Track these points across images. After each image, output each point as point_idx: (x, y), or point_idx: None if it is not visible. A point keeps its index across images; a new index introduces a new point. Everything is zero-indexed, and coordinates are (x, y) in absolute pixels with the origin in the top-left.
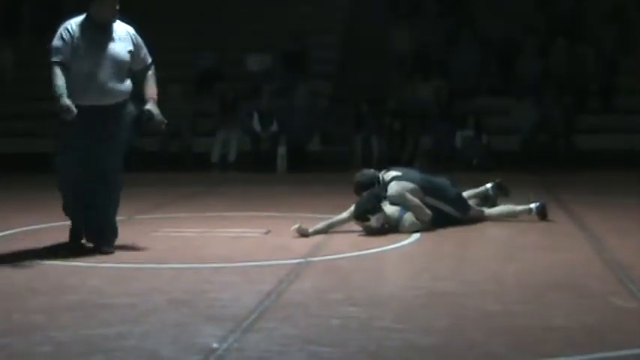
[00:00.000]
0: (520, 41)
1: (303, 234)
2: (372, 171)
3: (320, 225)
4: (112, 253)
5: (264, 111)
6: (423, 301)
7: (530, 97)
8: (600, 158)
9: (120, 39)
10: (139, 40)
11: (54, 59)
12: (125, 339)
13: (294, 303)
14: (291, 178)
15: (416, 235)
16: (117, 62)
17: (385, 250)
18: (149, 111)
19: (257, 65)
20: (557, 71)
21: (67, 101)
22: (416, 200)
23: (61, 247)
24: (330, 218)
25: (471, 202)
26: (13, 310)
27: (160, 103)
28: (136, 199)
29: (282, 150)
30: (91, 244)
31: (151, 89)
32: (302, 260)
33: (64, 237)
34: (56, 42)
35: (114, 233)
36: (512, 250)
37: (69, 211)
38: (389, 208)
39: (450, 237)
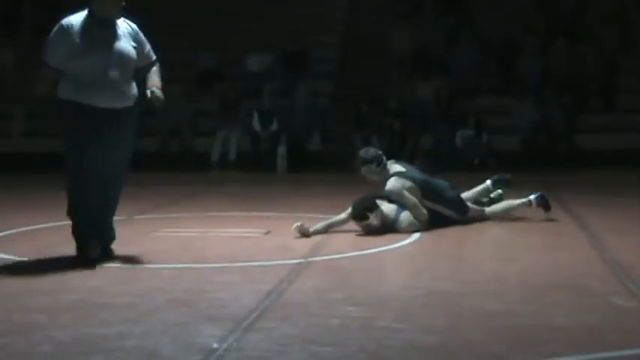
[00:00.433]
0: (520, 41)
1: (304, 233)
2: (377, 150)
3: (319, 225)
4: (114, 255)
5: (264, 111)
6: (423, 300)
7: (531, 97)
8: (601, 158)
9: (124, 36)
10: (142, 35)
11: (44, 59)
12: (125, 339)
13: (295, 303)
14: (292, 178)
15: (416, 235)
16: (125, 60)
17: (385, 250)
18: (153, 91)
19: (257, 65)
20: (557, 71)
21: (46, 76)
22: (413, 199)
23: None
24: (329, 218)
25: (470, 203)
26: (13, 309)
27: None
28: (136, 199)
29: (282, 149)
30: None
31: (155, 81)
32: (302, 260)
33: (61, 237)
34: (50, 40)
35: (114, 234)
36: (513, 249)
37: (79, 215)
38: (386, 207)
39: (450, 237)
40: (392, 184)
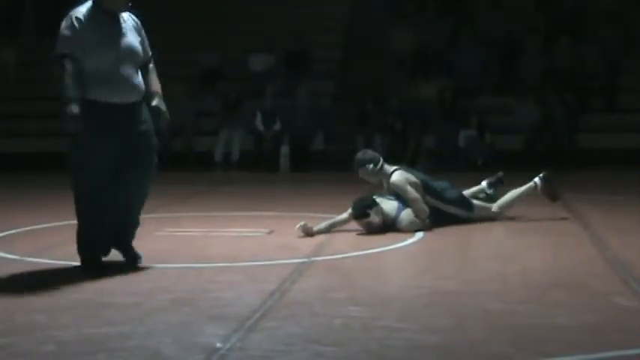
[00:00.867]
0: (521, 40)
1: (308, 233)
2: (374, 152)
3: (322, 225)
4: (139, 257)
5: (267, 110)
6: (425, 300)
7: (533, 97)
8: (603, 157)
9: (130, 29)
10: (143, 30)
11: (64, 51)
12: (128, 338)
13: (298, 302)
14: (294, 178)
15: (419, 235)
16: (134, 55)
17: (388, 250)
18: (157, 107)
19: (260, 65)
20: (560, 70)
21: (76, 109)
22: (415, 194)
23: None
24: (332, 218)
25: (475, 200)
26: (15, 309)
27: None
28: None
29: (284, 149)
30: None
31: (156, 84)
32: (305, 260)
33: (64, 237)
34: (65, 31)
35: (135, 229)
36: (515, 249)
37: (85, 222)
38: (387, 205)
39: (452, 236)
40: (396, 176)
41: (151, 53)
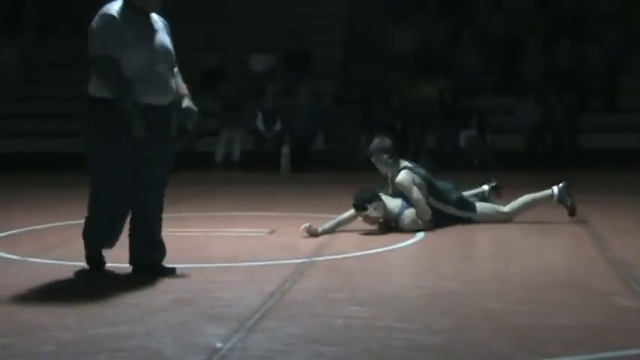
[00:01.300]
0: (522, 40)
1: (313, 234)
2: (391, 143)
3: (327, 224)
4: (169, 273)
5: (267, 110)
6: (426, 300)
7: (533, 97)
8: (603, 157)
9: (161, 29)
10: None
11: (103, 52)
12: (129, 338)
13: (298, 302)
14: (295, 178)
15: (420, 235)
16: (169, 55)
17: (389, 250)
18: (189, 109)
19: (261, 65)
20: (560, 70)
21: (138, 114)
22: (420, 195)
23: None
24: (335, 218)
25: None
26: (16, 309)
27: None
28: None
29: (285, 149)
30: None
31: (182, 86)
32: (306, 260)
33: (65, 237)
34: (102, 31)
35: (164, 247)
36: (516, 249)
37: (98, 225)
38: (391, 202)
39: (453, 237)
40: (402, 176)
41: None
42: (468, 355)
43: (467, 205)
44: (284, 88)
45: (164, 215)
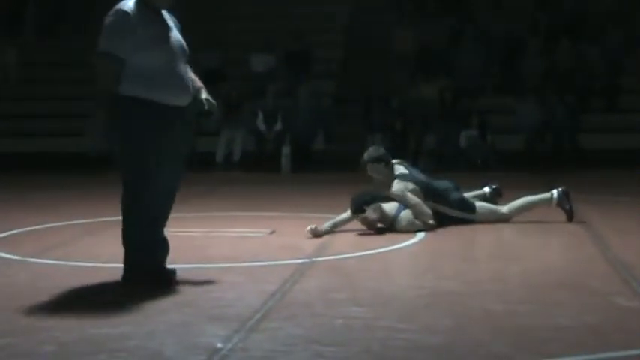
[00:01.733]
0: (522, 40)
1: (317, 234)
2: (385, 151)
3: (327, 225)
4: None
5: (268, 110)
6: (426, 300)
7: (533, 97)
8: (604, 157)
9: (174, 27)
10: None
11: (108, 49)
12: (129, 339)
13: (299, 303)
14: (296, 178)
15: (420, 235)
16: (184, 52)
17: (389, 250)
18: (208, 100)
19: (261, 65)
20: (560, 70)
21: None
22: (416, 199)
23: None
24: (334, 218)
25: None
26: (16, 309)
27: None
28: None
29: (286, 149)
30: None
31: (196, 79)
32: (306, 260)
33: (65, 237)
34: (113, 28)
35: (168, 246)
36: (516, 249)
37: (143, 236)
38: (386, 205)
39: (453, 237)
40: (395, 187)
41: None
42: (468, 355)
43: (467, 206)
44: (284, 88)
45: None
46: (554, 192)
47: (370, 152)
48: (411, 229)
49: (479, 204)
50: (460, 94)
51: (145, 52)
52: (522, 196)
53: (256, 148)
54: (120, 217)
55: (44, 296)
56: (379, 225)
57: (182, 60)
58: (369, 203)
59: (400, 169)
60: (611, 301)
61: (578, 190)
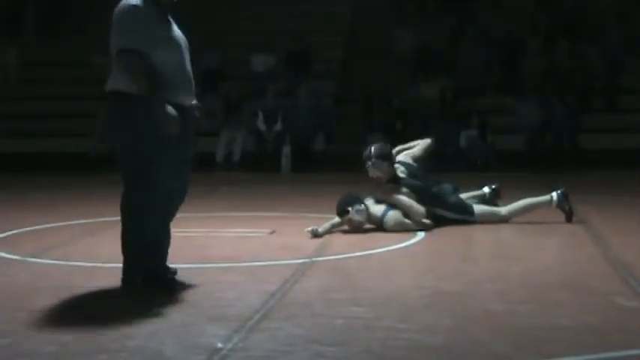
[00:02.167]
0: (522, 40)
1: (317, 235)
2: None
3: (325, 225)
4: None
5: (268, 110)
6: (427, 300)
7: (534, 97)
8: (604, 158)
9: (176, 25)
10: None
11: (131, 46)
12: (130, 339)
13: (299, 303)
14: (296, 178)
15: (420, 235)
16: (189, 52)
17: (390, 250)
18: (197, 105)
19: (261, 65)
20: (561, 70)
21: (172, 110)
22: (408, 201)
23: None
24: (333, 218)
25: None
26: (17, 309)
27: None
28: None
29: (286, 149)
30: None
31: None
32: (307, 260)
33: (65, 237)
34: (128, 24)
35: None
36: (516, 249)
37: (143, 237)
38: (373, 207)
39: (454, 237)
40: (391, 191)
41: None
42: (467, 355)
43: (464, 208)
44: (284, 88)
45: None
46: (554, 194)
47: (377, 148)
48: (400, 229)
49: (478, 206)
50: (460, 94)
51: (158, 49)
52: (522, 196)
53: (256, 148)
54: (120, 218)
55: (44, 296)
56: (367, 226)
57: (188, 59)
58: (352, 204)
59: (401, 170)
60: (611, 301)
61: (578, 190)
